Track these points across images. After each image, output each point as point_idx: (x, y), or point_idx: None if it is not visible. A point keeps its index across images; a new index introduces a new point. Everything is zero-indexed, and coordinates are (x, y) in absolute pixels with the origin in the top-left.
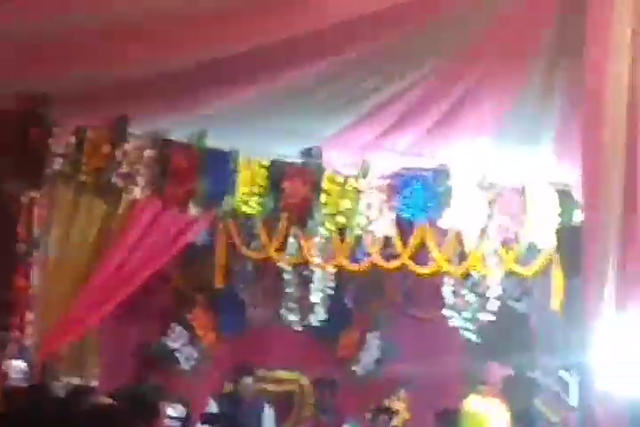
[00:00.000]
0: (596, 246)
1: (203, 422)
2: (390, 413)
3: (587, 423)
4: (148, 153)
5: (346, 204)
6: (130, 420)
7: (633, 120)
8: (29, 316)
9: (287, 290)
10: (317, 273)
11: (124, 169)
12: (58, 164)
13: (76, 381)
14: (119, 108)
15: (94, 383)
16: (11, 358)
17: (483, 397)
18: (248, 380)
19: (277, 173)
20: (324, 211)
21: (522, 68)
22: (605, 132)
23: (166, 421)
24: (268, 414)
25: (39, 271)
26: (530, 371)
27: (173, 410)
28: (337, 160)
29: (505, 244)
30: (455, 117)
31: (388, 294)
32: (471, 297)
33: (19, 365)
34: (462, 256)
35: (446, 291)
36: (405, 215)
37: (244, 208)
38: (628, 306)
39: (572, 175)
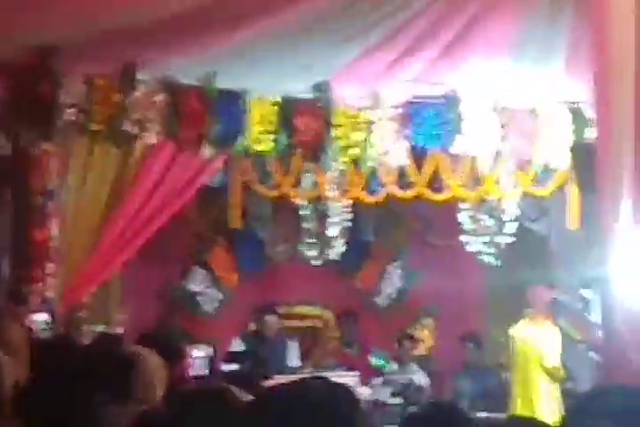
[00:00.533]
0: (609, 163)
1: (228, 361)
2: (414, 340)
3: (610, 340)
4: (158, 98)
5: (358, 136)
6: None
7: None
8: (50, 267)
9: (305, 225)
10: (334, 207)
11: (136, 115)
12: (69, 114)
13: (100, 329)
14: (126, 56)
15: (119, 330)
16: (34, 312)
17: (531, 321)
18: (271, 318)
19: (288, 110)
20: (337, 144)
21: None
22: (615, 47)
23: (192, 361)
24: (293, 349)
25: (57, 223)
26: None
27: (198, 351)
28: (347, 93)
29: (519, 166)
30: (463, 43)
31: (405, 224)
32: (488, 221)
33: (42, 317)
34: (477, 181)
35: (463, 216)
36: (418, 144)
37: (258, 147)
38: None
39: (583, 94)
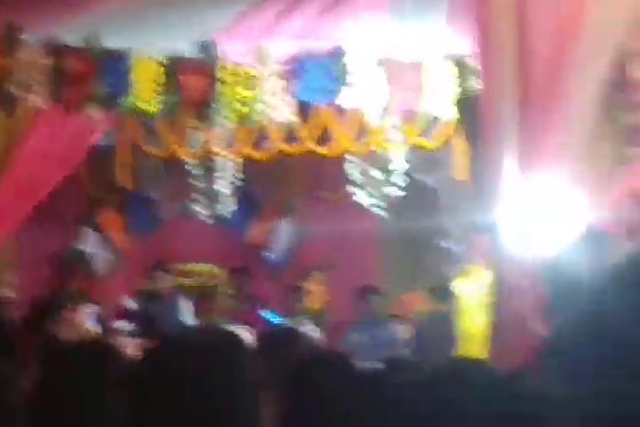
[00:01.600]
0: (493, 114)
1: (120, 319)
2: (302, 292)
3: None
4: (42, 60)
5: (245, 93)
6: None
7: None
8: None
9: (195, 183)
10: (223, 164)
11: (20, 78)
12: None
13: None
14: (8, 17)
15: (11, 294)
16: None
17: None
18: (163, 275)
19: (174, 69)
20: (224, 102)
21: None
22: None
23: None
24: (186, 307)
25: None
26: (442, 241)
27: (91, 311)
28: (233, 50)
29: (406, 118)
30: None
31: (295, 180)
32: (377, 173)
33: None
34: (364, 134)
35: (352, 170)
36: (305, 98)
37: (145, 106)
38: (528, 172)
39: (468, 46)
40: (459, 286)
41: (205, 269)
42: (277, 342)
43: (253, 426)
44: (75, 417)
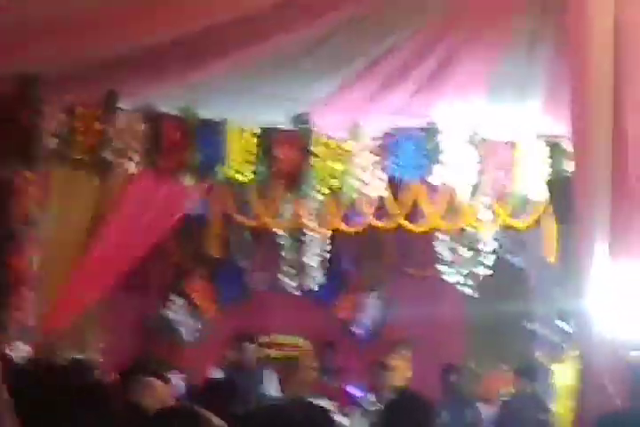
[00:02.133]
0: (586, 196)
1: (206, 390)
2: (387, 368)
3: (587, 372)
4: (139, 127)
5: (338, 166)
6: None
7: (619, 71)
8: (29, 295)
9: (284, 255)
10: (313, 237)
11: (117, 144)
12: (51, 143)
13: (79, 356)
14: (107, 85)
15: (97, 358)
16: (12, 340)
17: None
18: (250, 346)
19: (268, 141)
20: (316, 175)
21: (507, 25)
22: (592, 83)
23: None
24: (271, 379)
25: (37, 250)
26: (529, 323)
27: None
28: (327, 124)
29: (498, 198)
30: (442, 76)
31: (384, 255)
32: (466, 252)
33: (21, 346)
34: (455, 212)
35: (441, 247)
36: (397, 175)
37: (238, 177)
38: (619, 256)
39: (561, 127)
40: (554, 369)
41: (292, 341)
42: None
43: None
44: None
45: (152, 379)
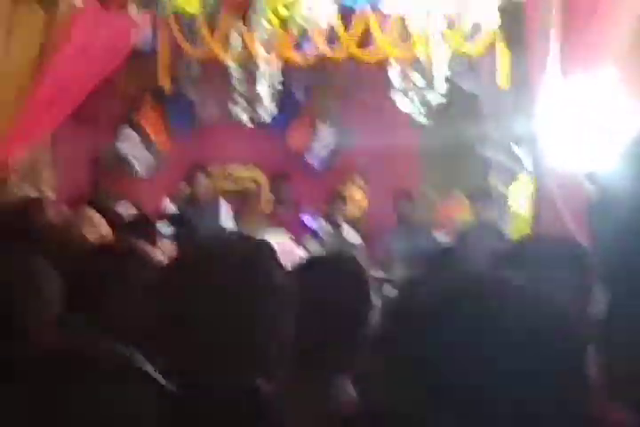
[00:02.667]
0: (538, 19)
1: (159, 221)
2: (344, 199)
3: (542, 197)
4: None
5: None
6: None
7: None
8: None
9: (235, 87)
10: (264, 68)
11: None
12: None
13: (33, 194)
14: None
15: (51, 195)
16: None
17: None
18: (202, 177)
19: None
20: (266, 4)
21: None
22: None
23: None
24: (226, 210)
25: None
26: (483, 150)
27: (124, 209)
28: None
29: (448, 24)
30: None
31: (336, 84)
32: (419, 80)
33: None
34: (407, 40)
35: (393, 75)
36: (348, 3)
37: (185, 6)
38: (570, 74)
39: None
40: (509, 194)
41: (246, 173)
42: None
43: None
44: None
45: (92, 211)
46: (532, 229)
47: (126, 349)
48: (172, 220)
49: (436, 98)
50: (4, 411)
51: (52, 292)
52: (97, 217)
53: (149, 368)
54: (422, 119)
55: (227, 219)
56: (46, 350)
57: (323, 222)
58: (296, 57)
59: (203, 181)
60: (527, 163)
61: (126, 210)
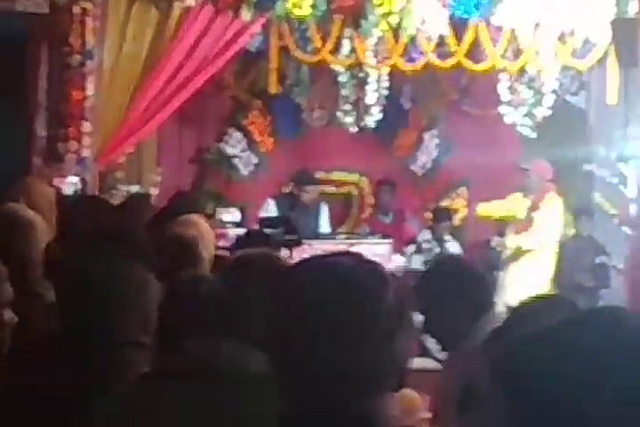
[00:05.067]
0: None
1: (261, 226)
2: (450, 211)
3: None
4: None
5: (399, 3)
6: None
7: None
8: (87, 127)
9: (342, 92)
10: (372, 74)
11: None
12: None
13: (134, 189)
14: None
15: (153, 191)
16: (68, 174)
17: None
18: (306, 182)
19: None
20: (378, 11)
21: None
22: None
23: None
24: (325, 214)
25: (94, 82)
26: (587, 164)
27: (229, 215)
28: None
29: (560, 38)
30: None
31: (443, 93)
32: (527, 93)
33: (72, 180)
34: (517, 52)
35: (502, 87)
36: (459, 13)
37: (297, 11)
38: None
39: None
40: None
41: (349, 179)
42: None
43: None
44: None
45: (192, 216)
46: (634, 248)
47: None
48: (270, 222)
49: (542, 111)
50: None
51: (148, 298)
52: (205, 224)
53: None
54: (528, 132)
55: (325, 223)
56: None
57: (425, 231)
58: (404, 65)
59: (306, 185)
60: (632, 180)
61: (233, 216)
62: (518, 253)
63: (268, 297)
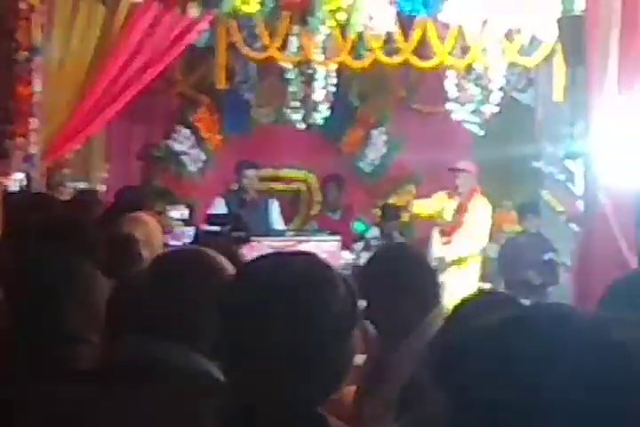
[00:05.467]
0: (597, 34)
1: (209, 223)
2: (398, 208)
3: (591, 212)
4: None
5: (347, 0)
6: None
7: None
8: (34, 123)
9: (290, 89)
10: (320, 71)
11: None
12: None
13: (82, 186)
14: None
15: (101, 188)
16: (13, 170)
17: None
18: (251, 174)
19: None
20: (325, 8)
21: None
22: None
23: (170, 223)
24: (276, 211)
25: (41, 78)
26: (535, 161)
27: (177, 212)
28: None
29: (507, 35)
30: None
31: (391, 90)
32: (474, 89)
33: (18, 177)
34: (464, 50)
35: (449, 84)
36: (406, 10)
37: (245, 8)
38: (627, 90)
39: None
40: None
41: (297, 176)
42: None
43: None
44: None
45: (141, 214)
46: (582, 245)
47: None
48: (219, 219)
49: (490, 108)
50: None
51: (96, 295)
52: (154, 222)
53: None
54: (476, 129)
55: (277, 219)
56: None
57: (373, 228)
58: (352, 62)
59: (251, 177)
60: (580, 177)
61: (182, 214)
62: (444, 265)
63: (202, 294)
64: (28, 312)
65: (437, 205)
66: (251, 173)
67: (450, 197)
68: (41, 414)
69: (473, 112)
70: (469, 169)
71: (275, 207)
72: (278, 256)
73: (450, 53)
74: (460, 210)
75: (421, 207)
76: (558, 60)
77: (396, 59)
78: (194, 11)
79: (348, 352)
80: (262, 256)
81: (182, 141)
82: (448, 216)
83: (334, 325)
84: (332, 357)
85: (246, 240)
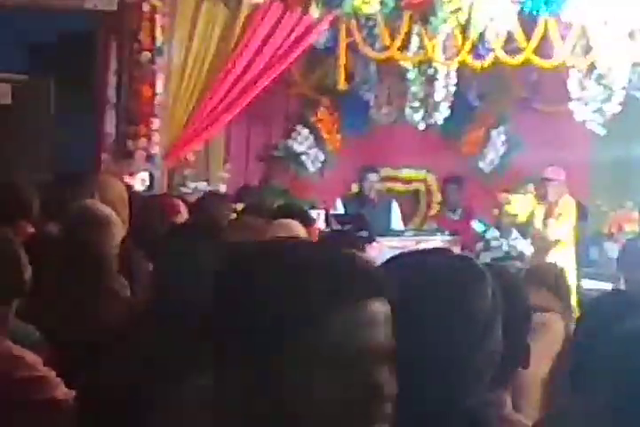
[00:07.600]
0: None
1: (330, 220)
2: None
3: None
4: None
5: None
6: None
7: None
8: (156, 124)
9: (411, 89)
10: (440, 70)
11: None
12: None
13: (202, 186)
14: None
15: (222, 188)
16: (137, 171)
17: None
18: (373, 177)
19: None
20: (447, 7)
21: None
22: None
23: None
24: (395, 212)
25: (163, 79)
26: None
27: (314, 215)
28: None
29: (630, 35)
30: None
31: (511, 90)
32: (597, 89)
33: (142, 176)
34: (586, 48)
35: (572, 84)
36: (528, 9)
37: (365, 8)
38: None
39: None
40: None
41: (417, 176)
42: None
43: None
44: None
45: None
46: None
47: None
48: (340, 220)
49: (613, 108)
50: None
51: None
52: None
53: None
54: (598, 129)
55: (397, 220)
56: None
57: (492, 228)
58: (473, 61)
59: (372, 180)
60: None
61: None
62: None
63: None
64: None
65: (528, 205)
66: (372, 176)
67: (539, 202)
68: None
69: (595, 111)
70: (559, 178)
71: (395, 208)
72: (415, 255)
73: (571, 52)
74: (548, 215)
75: (513, 207)
76: None
77: (517, 58)
78: (315, 11)
79: (495, 347)
80: (398, 256)
81: (302, 142)
82: (538, 223)
83: (483, 319)
84: (480, 353)
85: (371, 240)
